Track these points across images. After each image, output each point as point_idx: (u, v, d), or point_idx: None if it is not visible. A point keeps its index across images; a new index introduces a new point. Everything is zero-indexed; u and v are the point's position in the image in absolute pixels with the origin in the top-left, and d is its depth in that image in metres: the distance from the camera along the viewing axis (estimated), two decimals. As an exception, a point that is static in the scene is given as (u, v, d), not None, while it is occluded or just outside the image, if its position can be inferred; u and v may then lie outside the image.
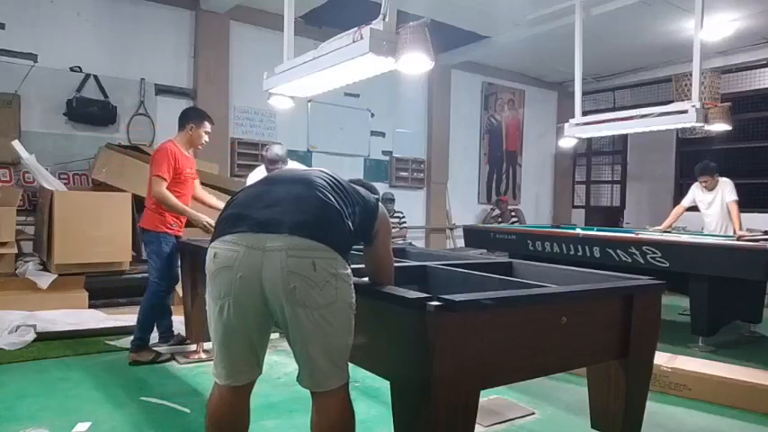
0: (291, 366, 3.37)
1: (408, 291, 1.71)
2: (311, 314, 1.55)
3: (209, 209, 3.76)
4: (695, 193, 5.43)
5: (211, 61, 6.16)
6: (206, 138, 3.88)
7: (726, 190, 5.24)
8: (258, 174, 4.21)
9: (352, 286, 1.65)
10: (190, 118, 3.82)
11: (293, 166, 4.30)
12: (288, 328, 1.60)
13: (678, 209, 5.57)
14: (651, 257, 4.12)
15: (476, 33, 7.04)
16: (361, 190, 1.85)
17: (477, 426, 1.77)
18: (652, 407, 2.36)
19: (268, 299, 1.57)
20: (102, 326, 4.19)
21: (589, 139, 9.15)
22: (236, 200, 1.74)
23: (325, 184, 1.72)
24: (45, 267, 4.68)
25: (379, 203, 1.87)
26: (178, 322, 4.26)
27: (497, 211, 8.47)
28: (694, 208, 5.49)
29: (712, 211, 5.33)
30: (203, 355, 3.69)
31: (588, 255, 4.61)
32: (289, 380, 3.23)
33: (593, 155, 9.77)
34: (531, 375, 1.87)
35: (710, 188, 5.32)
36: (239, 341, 1.64)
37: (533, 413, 2.86)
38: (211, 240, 1.67)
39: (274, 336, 2.88)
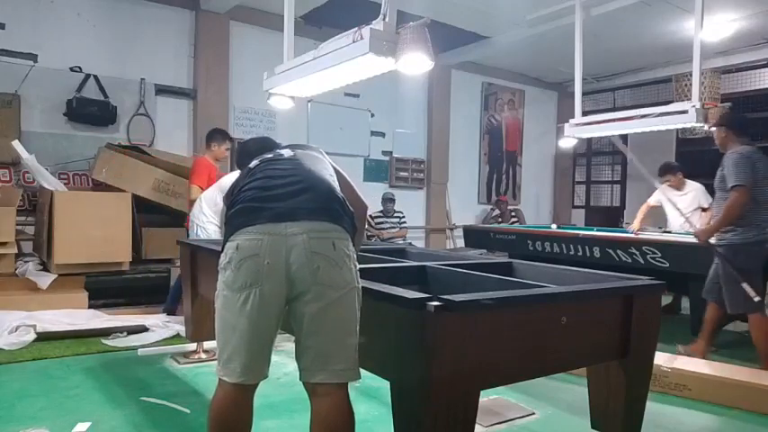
0: (291, 366, 3.37)
1: (408, 291, 1.71)
2: (334, 295, 1.63)
3: None
4: (665, 191, 5.37)
5: (211, 61, 6.16)
6: (224, 155, 4.79)
7: (702, 198, 5.22)
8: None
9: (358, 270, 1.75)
10: (221, 137, 4.72)
11: None
12: (305, 316, 1.63)
13: (644, 207, 5.57)
14: (651, 257, 4.13)
15: (476, 33, 7.04)
16: (329, 160, 2.03)
17: (477, 426, 1.78)
18: (652, 407, 2.36)
19: (294, 283, 1.62)
20: (102, 326, 4.19)
21: (589, 139, 9.15)
22: (244, 196, 1.75)
23: (326, 172, 1.88)
24: (45, 267, 4.68)
25: (325, 153, 2.06)
26: (177, 322, 4.28)
27: (497, 212, 8.47)
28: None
29: (689, 213, 5.22)
30: (203, 355, 3.69)
31: (588, 255, 4.61)
32: (289, 380, 3.23)
33: (593, 155, 9.77)
34: (532, 375, 1.86)
35: (678, 187, 5.30)
36: (260, 335, 1.64)
37: (533, 413, 2.86)
38: (228, 235, 1.69)
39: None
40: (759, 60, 7.14)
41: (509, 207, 8.55)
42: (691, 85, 4.55)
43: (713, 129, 3.75)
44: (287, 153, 1.95)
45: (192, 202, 4.38)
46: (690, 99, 4.55)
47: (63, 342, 3.90)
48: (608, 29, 6.33)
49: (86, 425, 2.58)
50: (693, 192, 5.26)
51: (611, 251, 4.42)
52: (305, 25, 6.39)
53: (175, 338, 4.11)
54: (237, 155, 2.20)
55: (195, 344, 3.73)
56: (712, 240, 3.63)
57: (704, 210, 5.14)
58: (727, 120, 3.74)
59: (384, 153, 7.80)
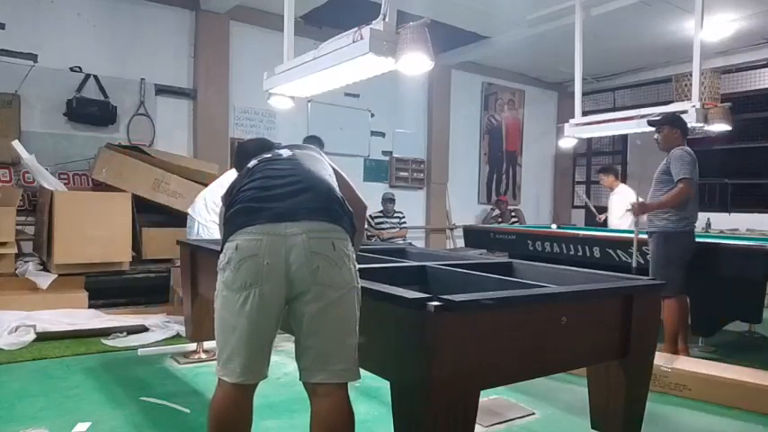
0: (291, 366, 3.37)
1: (408, 291, 1.71)
2: (334, 295, 1.63)
3: None
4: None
5: (211, 61, 6.16)
6: None
7: (627, 202, 5.68)
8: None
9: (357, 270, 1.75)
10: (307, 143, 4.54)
11: None
12: (304, 316, 1.63)
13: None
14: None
15: (476, 33, 7.04)
16: (328, 160, 2.05)
17: (477, 426, 1.78)
18: (652, 407, 2.36)
19: (294, 283, 1.62)
20: (102, 326, 4.19)
21: (589, 139, 9.15)
22: (243, 196, 1.75)
23: (325, 172, 1.89)
24: (45, 267, 4.68)
25: (323, 153, 2.10)
26: (177, 323, 4.28)
27: (497, 211, 8.47)
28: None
29: (615, 214, 5.85)
30: (203, 355, 3.69)
31: (588, 255, 4.61)
32: (289, 380, 3.23)
33: (593, 155, 9.77)
34: (532, 376, 1.87)
35: (611, 188, 5.97)
36: (259, 335, 1.64)
37: (533, 413, 2.86)
38: (228, 235, 1.69)
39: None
40: (759, 60, 7.14)
41: (509, 207, 8.55)
42: (691, 85, 4.55)
43: (663, 126, 3.93)
44: (286, 153, 1.95)
45: None
46: (690, 99, 4.55)
47: (63, 342, 3.90)
48: (608, 29, 6.33)
49: (86, 425, 2.58)
50: (618, 195, 5.86)
51: (611, 251, 4.41)
52: (305, 25, 6.39)
53: (175, 338, 4.12)
54: (236, 156, 2.20)
55: (195, 344, 3.73)
56: (647, 234, 3.89)
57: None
58: (678, 121, 3.95)
59: (384, 153, 7.80)
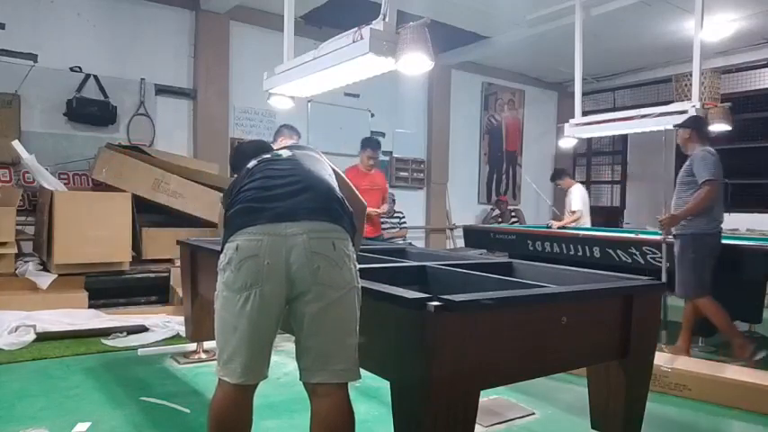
0: (291, 366, 3.37)
1: (408, 291, 1.71)
2: (334, 295, 1.63)
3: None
4: None
5: (211, 61, 6.16)
6: (368, 161, 4.73)
7: (571, 197, 6.12)
8: None
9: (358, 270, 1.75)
10: (361, 145, 4.81)
11: None
12: (305, 316, 1.63)
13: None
14: (651, 257, 4.12)
15: (476, 33, 7.04)
16: (327, 160, 2.04)
17: (477, 426, 1.78)
18: (652, 407, 2.36)
19: (295, 284, 1.62)
20: (102, 326, 4.19)
21: (589, 140, 9.14)
22: (243, 196, 1.75)
23: (325, 172, 1.89)
24: (45, 267, 4.68)
25: (321, 154, 2.08)
26: (177, 323, 4.28)
27: (497, 211, 8.47)
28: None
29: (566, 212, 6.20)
30: (203, 355, 3.69)
31: (588, 255, 4.61)
32: (289, 380, 3.23)
33: (593, 155, 9.76)
34: (532, 376, 1.87)
35: (568, 188, 6.22)
36: (260, 336, 1.64)
37: (533, 413, 2.86)
38: (228, 235, 1.69)
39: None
40: (759, 60, 7.14)
41: (509, 207, 8.55)
42: (691, 85, 4.55)
43: (679, 129, 3.98)
44: (285, 153, 1.95)
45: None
46: (690, 99, 4.55)
47: (63, 342, 3.90)
48: (608, 29, 6.33)
49: (86, 425, 2.58)
50: (570, 194, 6.15)
51: (611, 251, 4.42)
52: (305, 25, 6.39)
53: (175, 338, 4.12)
54: (233, 157, 2.19)
55: (195, 344, 3.73)
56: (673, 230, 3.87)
57: (572, 212, 6.10)
58: (695, 122, 3.96)
59: (384, 153, 7.78)
